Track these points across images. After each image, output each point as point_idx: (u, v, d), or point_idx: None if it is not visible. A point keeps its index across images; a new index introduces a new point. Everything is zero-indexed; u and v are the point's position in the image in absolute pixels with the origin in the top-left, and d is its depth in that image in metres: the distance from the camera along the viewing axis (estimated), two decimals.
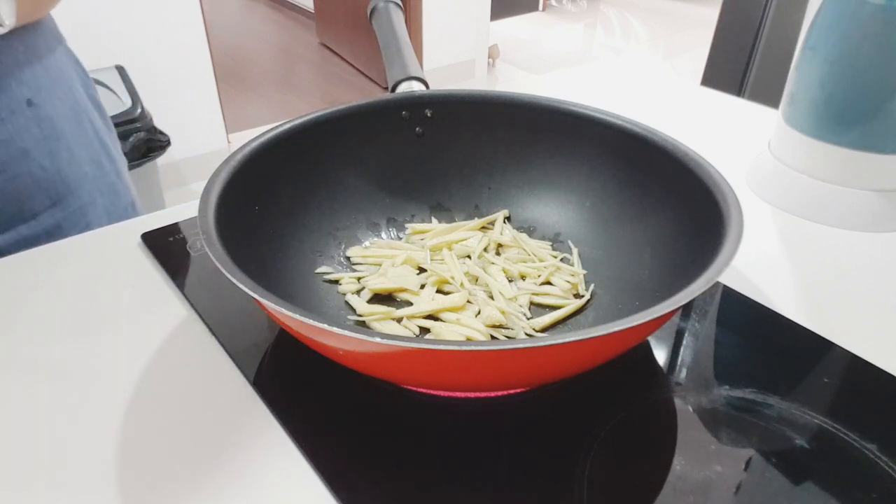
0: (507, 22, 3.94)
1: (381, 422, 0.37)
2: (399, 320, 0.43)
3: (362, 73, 3.11)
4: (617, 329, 0.29)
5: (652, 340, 0.43)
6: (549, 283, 0.46)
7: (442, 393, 0.38)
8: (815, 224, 0.56)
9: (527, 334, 0.42)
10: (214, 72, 2.15)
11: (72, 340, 0.42)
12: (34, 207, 0.59)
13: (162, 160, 1.77)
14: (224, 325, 0.43)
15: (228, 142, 2.29)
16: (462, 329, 0.42)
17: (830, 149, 0.54)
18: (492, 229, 0.51)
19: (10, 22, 0.53)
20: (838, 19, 0.52)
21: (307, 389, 0.39)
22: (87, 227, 0.62)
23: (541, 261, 0.48)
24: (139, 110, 1.66)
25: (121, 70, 1.84)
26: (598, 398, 0.38)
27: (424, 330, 0.43)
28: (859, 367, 0.41)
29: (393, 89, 0.54)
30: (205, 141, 2.22)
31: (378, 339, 0.29)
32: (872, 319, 0.45)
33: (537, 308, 0.45)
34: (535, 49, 3.65)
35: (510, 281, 0.47)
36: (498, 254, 0.49)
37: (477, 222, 0.51)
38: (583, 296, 0.45)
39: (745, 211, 0.37)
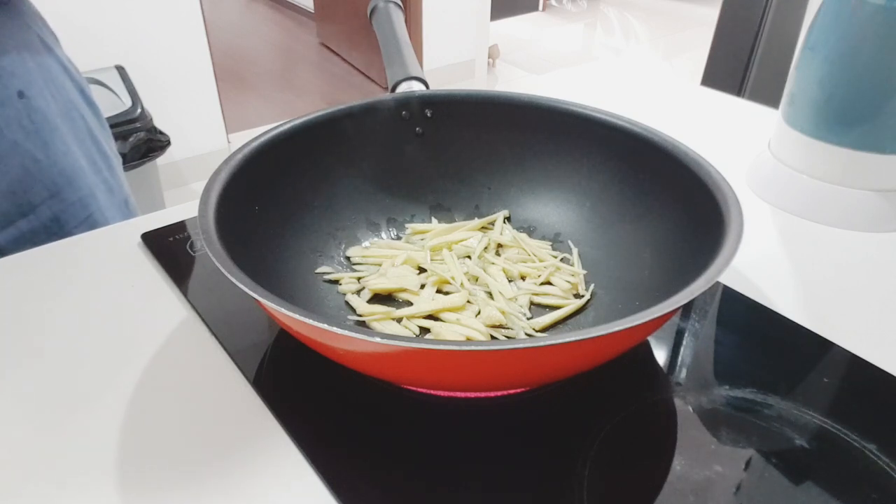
0: (507, 22, 3.94)
1: (381, 422, 0.37)
2: (399, 320, 0.43)
3: (362, 73, 3.11)
4: (617, 329, 0.29)
5: (652, 340, 0.43)
6: (549, 283, 0.46)
7: (442, 393, 0.38)
8: (814, 224, 0.56)
9: (527, 334, 0.42)
10: (214, 72, 2.15)
11: (72, 340, 0.42)
12: (32, 199, 0.58)
13: (162, 160, 1.77)
14: (224, 325, 0.43)
15: (228, 142, 2.29)
16: (462, 329, 0.42)
17: (830, 149, 0.54)
18: (492, 229, 0.51)
19: None
20: (838, 19, 0.52)
21: (307, 389, 0.39)
22: (88, 218, 0.62)
23: (541, 261, 0.48)
24: (139, 110, 1.66)
25: (121, 70, 1.84)
26: (598, 398, 0.38)
27: (424, 330, 0.43)
28: (859, 367, 0.41)
29: (393, 89, 0.54)
30: (205, 141, 2.22)
31: (378, 339, 0.29)
32: (872, 319, 0.45)
33: (537, 308, 0.45)
34: (535, 49, 3.65)
35: (510, 281, 0.47)
36: (498, 254, 0.49)
37: (477, 222, 0.51)
38: (583, 296, 0.45)
39: (745, 211, 0.37)
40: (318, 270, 0.47)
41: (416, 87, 0.53)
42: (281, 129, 0.46)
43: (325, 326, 0.29)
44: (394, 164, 0.52)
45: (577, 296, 0.46)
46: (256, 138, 0.44)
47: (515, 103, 0.51)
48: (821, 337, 0.43)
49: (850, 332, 0.43)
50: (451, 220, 0.52)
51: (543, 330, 0.43)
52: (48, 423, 0.37)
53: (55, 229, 0.60)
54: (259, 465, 0.34)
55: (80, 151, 0.63)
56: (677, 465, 0.34)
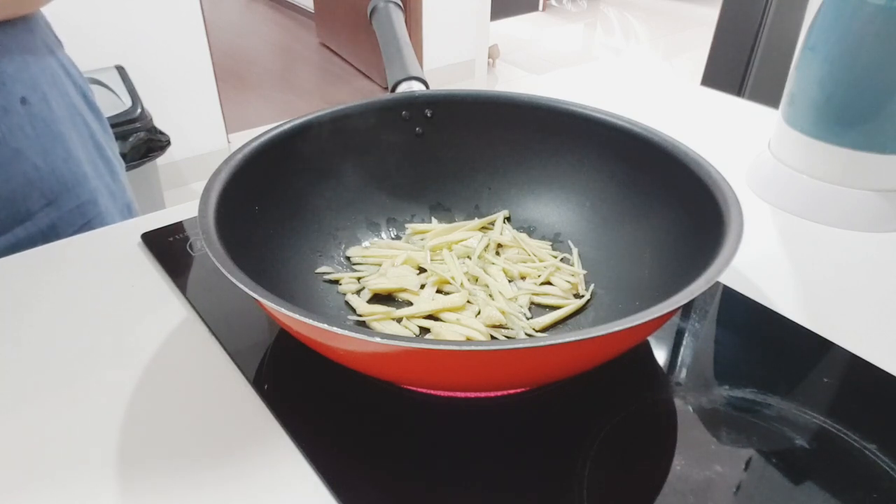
0: (507, 22, 3.94)
1: (381, 422, 0.37)
2: (399, 320, 0.43)
3: (362, 73, 3.11)
4: (617, 329, 0.29)
5: (652, 340, 0.43)
6: (549, 283, 0.46)
7: (442, 393, 0.38)
8: (815, 224, 0.56)
9: (527, 334, 0.42)
10: (214, 72, 2.15)
11: (72, 340, 0.42)
12: (30, 207, 0.58)
13: (162, 160, 1.77)
14: (224, 325, 0.43)
15: (228, 142, 2.29)
16: (462, 329, 0.42)
17: (830, 149, 0.54)
18: (492, 229, 0.51)
19: None
20: (838, 19, 0.52)
21: (307, 389, 0.39)
22: (86, 225, 0.62)
23: (541, 261, 0.48)
24: (139, 110, 1.66)
25: (121, 70, 1.84)
26: (598, 398, 0.38)
27: (424, 330, 0.43)
28: (859, 367, 0.41)
29: (393, 89, 0.54)
30: (205, 141, 2.22)
31: (378, 339, 0.29)
32: (872, 319, 0.45)
33: (537, 308, 0.45)
34: (535, 49, 3.65)
35: (510, 281, 0.47)
36: (498, 254, 0.49)
37: (477, 222, 0.51)
38: (583, 296, 0.45)
39: (745, 211, 0.37)
40: (318, 270, 0.47)
41: (416, 87, 0.53)
42: (281, 129, 0.46)
43: (325, 326, 0.29)
44: (394, 165, 0.52)
45: (578, 296, 0.46)
46: (256, 138, 0.44)
47: (515, 103, 0.51)
48: (821, 337, 0.43)
49: (850, 332, 0.43)
50: (451, 220, 0.52)
51: (543, 330, 0.43)
52: (48, 423, 0.37)
53: (52, 237, 0.59)
54: (259, 465, 0.34)
55: (84, 156, 0.63)
56: (677, 465, 0.34)
